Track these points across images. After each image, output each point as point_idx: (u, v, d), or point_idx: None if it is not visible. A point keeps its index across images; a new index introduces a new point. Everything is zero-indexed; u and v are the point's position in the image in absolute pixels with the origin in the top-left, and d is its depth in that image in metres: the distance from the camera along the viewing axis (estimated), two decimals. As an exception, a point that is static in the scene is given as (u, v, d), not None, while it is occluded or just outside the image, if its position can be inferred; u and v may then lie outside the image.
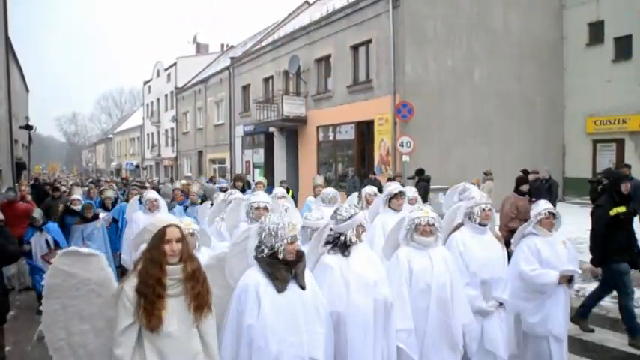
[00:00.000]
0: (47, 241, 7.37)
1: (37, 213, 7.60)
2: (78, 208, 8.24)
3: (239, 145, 27.62)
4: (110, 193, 9.65)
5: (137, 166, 51.15)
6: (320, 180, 9.32)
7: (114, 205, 9.54)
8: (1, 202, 9.69)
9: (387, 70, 16.41)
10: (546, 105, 19.11)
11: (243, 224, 4.83)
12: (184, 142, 37.63)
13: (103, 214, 8.25)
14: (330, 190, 7.13)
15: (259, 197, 5.08)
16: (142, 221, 6.35)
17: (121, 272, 7.32)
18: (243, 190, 9.31)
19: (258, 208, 4.86)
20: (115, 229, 8.47)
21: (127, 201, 8.74)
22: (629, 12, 17.38)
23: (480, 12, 17.58)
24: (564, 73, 19.69)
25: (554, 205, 11.46)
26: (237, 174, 12.07)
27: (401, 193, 5.67)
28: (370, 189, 6.85)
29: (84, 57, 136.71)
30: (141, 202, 7.43)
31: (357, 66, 18.33)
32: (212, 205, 6.74)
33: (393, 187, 5.77)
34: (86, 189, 14.35)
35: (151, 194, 7.18)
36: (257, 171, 25.34)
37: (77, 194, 8.87)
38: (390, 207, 5.63)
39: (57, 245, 7.23)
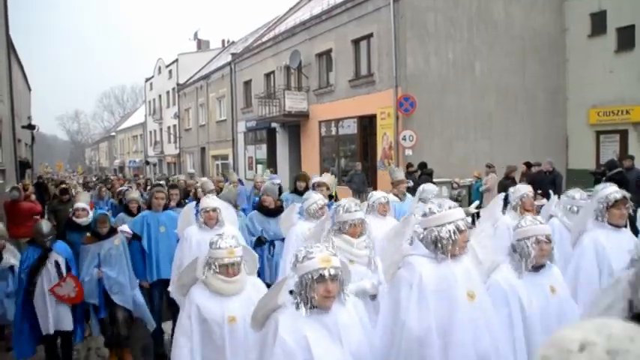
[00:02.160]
0: (57, 265, 5.25)
1: (45, 226, 5.39)
2: (83, 220, 6.15)
3: (242, 141, 27.63)
4: (136, 195, 7.62)
5: (147, 162, 50.07)
6: (401, 174, 7.33)
7: (139, 210, 7.18)
8: (5, 202, 9.77)
9: (389, 64, 16.37)
10: (549, 97, 19.04)
11: (421, 261, 2.87)
12: (187, 139, 37.67)
13: (123, 226, 6.14)
14: (432, 187, 5.83)
15: (457, 212, 2.94)
16: (195, 240, 4.91)
17: (168, 303, 5.86)
18: (301, 194, 7.33)
19: (462, 232, 2.86)
20: (140, 250, 5.96)
21: (149, 207, 6.34)
22: (632, 2, 17.26)
23: (481, 4, 17.50)
24: (566, 65, 19.58)
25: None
26: (301, 172, 9.34)
27: (624, 199, 3.90)
28: (526, 188, 5.10)
29: (85, 55, 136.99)
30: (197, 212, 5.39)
31: (358, 60, 18.30)
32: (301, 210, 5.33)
33: (612, 190, 3.92)
34: (95, 191, 12.76)
35: (209, 202, 5.10)
36: (260, 167, 25.36)
37: (83, 201, 6.62)
38: (608, 221, 3.87)
39: (69, 271, 5.30)
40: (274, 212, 6.24)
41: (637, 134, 17.42)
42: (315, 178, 9.24)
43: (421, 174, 13.34)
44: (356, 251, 3.66)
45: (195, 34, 45.38)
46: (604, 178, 10.04)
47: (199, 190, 8.94)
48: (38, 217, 9.69)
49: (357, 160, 18.30)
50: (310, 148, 21.15)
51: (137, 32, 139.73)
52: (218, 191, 8.48)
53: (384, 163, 16.80)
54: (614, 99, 17.74)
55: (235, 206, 6.21)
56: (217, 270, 3.13)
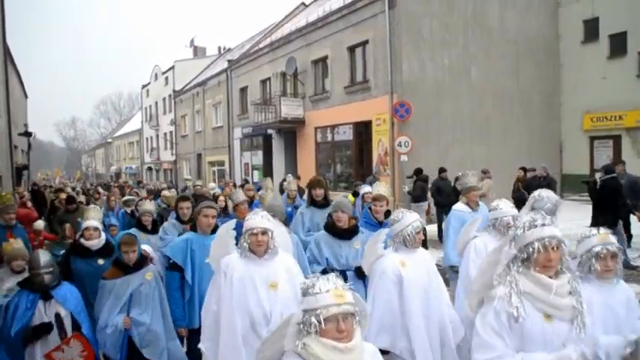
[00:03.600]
0: (58, 318, 3.85)
1: (43, 256, 3.97)
2: (94, 244, 4.78)
3: (238, 147, 27.68)
4: (150, 207, 6.40)
5: (149, 168, 47.97)
6: (474, 179, 5.86)
7: (155, 226, 6.13)
8: (1, 209, 9.73)
9: (384, 70, 16.46)
10: (543, 102, 19.18)
11: None
12: (183, 145, 37.70)
13: (145, 247, 4.69)
14: (552, 195, 4.52)
15: None
16: (236, 275, 3.34)
17: None
18: (325, 204, 6.14)
19: None
20: (179, 287, 4.43)
21: (192, 227, 4.73)
22: (624, 9, 17.47)
23: (476, 10, 17.65)
24: (560, 70, 19.77)
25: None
26: (315, 177, 7.35)
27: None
28: None
29: (82, 62, 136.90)
30: (238, 233, 3.59)
31: (354, 66, 18.39)
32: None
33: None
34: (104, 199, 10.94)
35: (258, 220, 3.41)
36: (256, 173, 25.42)
37: (94, 218, 5.02)
38: None
39: (77, 328, 3.91)
40: (349, 233, 4.85)
41: (630, 140, 17.56)
42: (365, 188, 8.10)
43: (417, 180, 13.38)
44: (556, 300, 2.36)
45: (192, 41, 45.59)
46: (599, 182, 10.11)
47: (220, 200, 8.02)
48: (40, 222, 9.44)
49: (353, 166, 18.37)
50: (306, 154, 21.21)
51: (134, 39, 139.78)
52: (249, 203, 7.00)
53: (380, 169, 16.87)
54: (607, 105, 17.91)
55: (284, 223, 4.78)
56: (323, 326, 1.97)
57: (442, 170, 13.04)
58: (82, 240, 4.80)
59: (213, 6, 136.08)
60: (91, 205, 6.08)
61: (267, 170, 23.93)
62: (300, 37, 21.01)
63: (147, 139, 48.80)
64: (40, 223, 8.34)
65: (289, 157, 22.52)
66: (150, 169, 48.13)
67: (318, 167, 20.58)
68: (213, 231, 4.41)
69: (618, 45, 17.82)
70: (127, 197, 9.69)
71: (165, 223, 5.96)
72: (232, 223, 3.64)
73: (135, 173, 51.65)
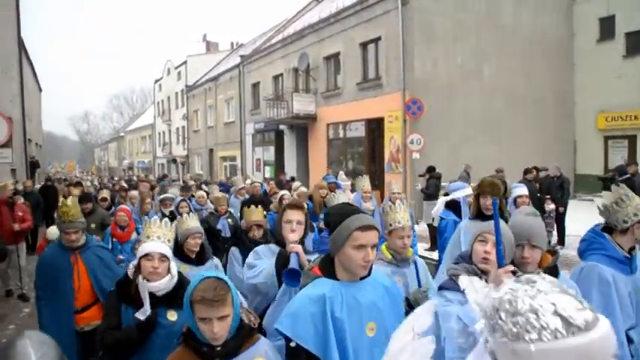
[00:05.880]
0: None
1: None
2: (160, 285, 2.69)
3: (249, 143, 27.74)
4: (195, 223, 3.81)
5: (174, 160, 43.23)
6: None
7: (202, 253, 3.83)
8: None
9: (397, 68, 16.40)
10: (556, 101, 19.00)
11: None
12: (195, 140, 37.85)
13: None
14: None
15: None
16: None
17: None
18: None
19: None
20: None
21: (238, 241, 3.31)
22: (641, 7, 17.25)
23: (489, 8, 17.51)
24: (574, 69, 19.56)
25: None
26: (491, 178, 4.15)
27: None
28: None
29: (96, 57, 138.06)
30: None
31: (366, 63, 18.34)
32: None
33: None
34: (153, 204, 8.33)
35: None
36: (268, 168, 25.48)
37: (159, 237, 2.79)
38: None
39: None
40: None
41: (645, 139, 17.36)
42: (519, 189, 5.78)
43: (430, 177, 13.34)
44: None
45: (204, 36, 45.66)
46: (614, 184, 10.00)
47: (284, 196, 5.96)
48: (53, 229, 7.64)
49: (365, 163, 18.32)
50: (318, 150, 21.21)
51: (146, 34, 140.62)
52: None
53: (392, 166, 16.84)
54: (622, 104, 17.70)
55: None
56: None
57: (527, 171, 11.12)
58: (150, 280, 2.69)
59: (225, 1, 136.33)
60: (154, 217, 3.03)
61: (279, 166, 23.98)
62: (313, 33, 20.99)
63: (159, 133, 49.06)
64: (53, 232, 5.91)
65: (301, 153, 22.54)
66: (174, 161, 43.08)
67: (329, 164, 20.58)
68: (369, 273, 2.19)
69: (635, 43, 17.60)
70: (165, 195, 7.75)
71: (259, 247, 3.45)
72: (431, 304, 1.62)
73: (147, 167, 51.90)
